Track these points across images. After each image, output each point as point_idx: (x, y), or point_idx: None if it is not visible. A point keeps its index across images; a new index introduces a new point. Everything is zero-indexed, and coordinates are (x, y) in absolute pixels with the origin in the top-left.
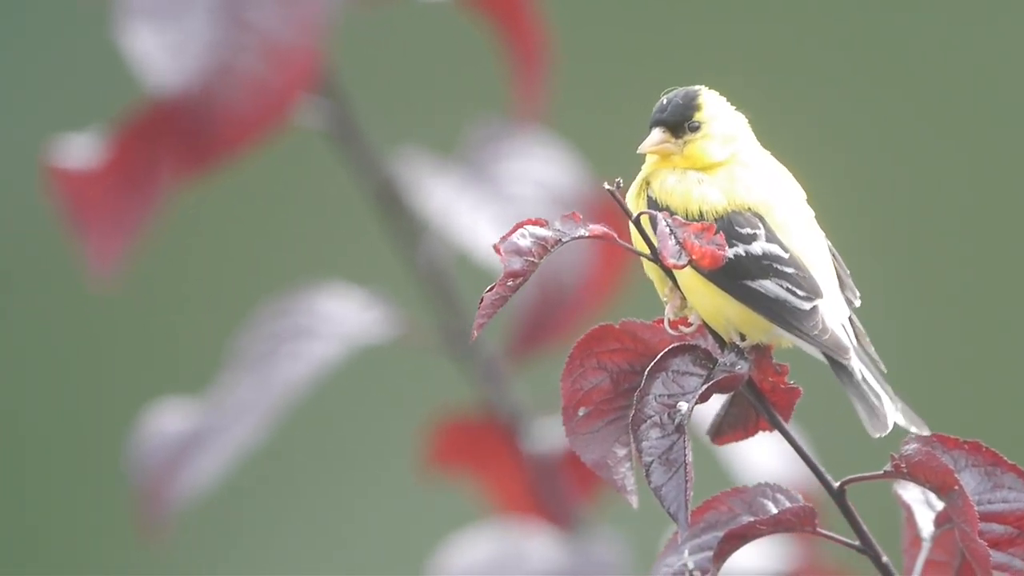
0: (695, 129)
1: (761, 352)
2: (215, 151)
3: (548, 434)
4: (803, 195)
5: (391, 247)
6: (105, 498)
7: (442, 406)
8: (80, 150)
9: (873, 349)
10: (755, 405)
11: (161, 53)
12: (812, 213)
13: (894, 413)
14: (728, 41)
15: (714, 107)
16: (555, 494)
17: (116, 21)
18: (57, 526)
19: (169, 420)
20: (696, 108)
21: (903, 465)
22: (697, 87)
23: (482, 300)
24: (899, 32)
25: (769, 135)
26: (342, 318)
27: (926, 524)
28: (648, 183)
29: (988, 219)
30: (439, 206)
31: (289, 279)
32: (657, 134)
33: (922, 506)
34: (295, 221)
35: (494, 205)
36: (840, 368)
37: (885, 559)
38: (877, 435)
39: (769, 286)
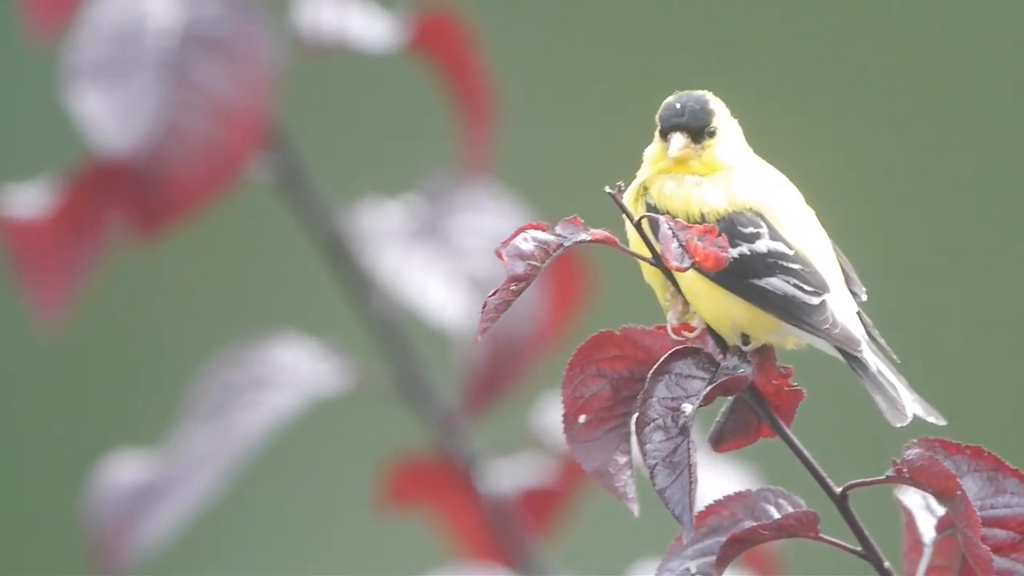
0: (711, 135)
1: (764, 354)
2: (167, 213)
3: (504, 476)
4: (800, 196)
5: (344, 298)
6: (60, 549)
7: (399, 449)
8: (28, 200)
9: (884, 341)
10: (756, 409)
11: (109, 115)
12: (812, 212)
13: (911, 403)
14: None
15: (722, 113)
16: (511, 535)
17: (63, 81)
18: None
19: (125, 471)
20: (711, 113)
21: (905, 470)
22: (703, 92)
23: (485, 305)
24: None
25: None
26: (298, 369)
27: (927, 529)
28: (646, 189)
29: (991, 220)
30: (389, 263)
31: (243, 330)
32: (680, 139)
33: (923, 511)
34: (247, 272)
35: (444, 261)
36: (854, 361)
37: (887, 564)
38: (898, 425)
39: (776, 283)
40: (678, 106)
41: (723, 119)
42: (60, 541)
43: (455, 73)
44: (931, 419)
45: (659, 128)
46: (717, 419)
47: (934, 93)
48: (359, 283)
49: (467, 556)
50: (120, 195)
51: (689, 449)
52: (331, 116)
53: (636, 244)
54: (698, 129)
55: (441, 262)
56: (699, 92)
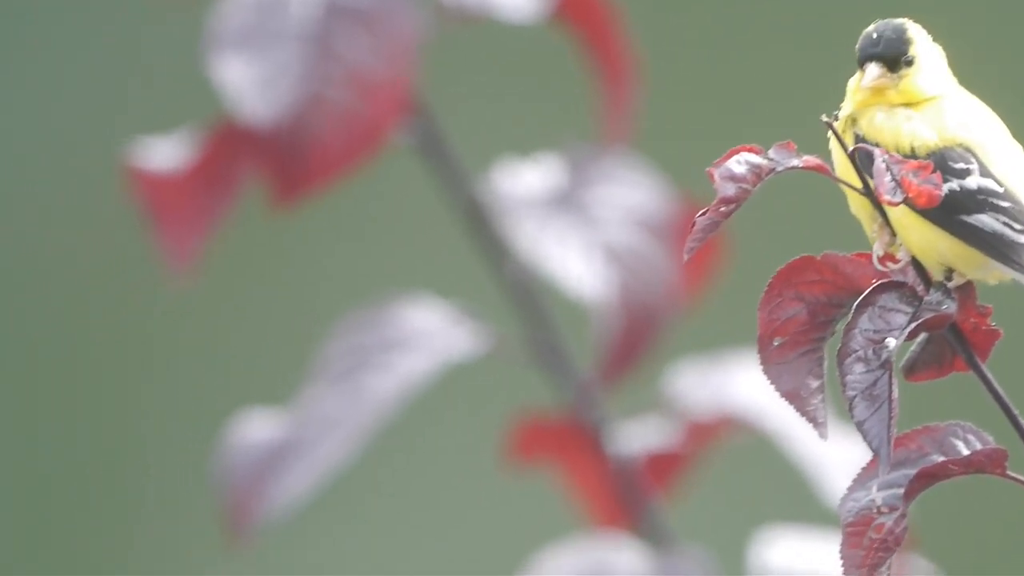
0: (909, 63)
1: (965, 291)
2: (306, 183)
3: (631, 438)
4: (1007, 131)
5: (480, 264)
6: (191, 509)
7: (527, 408)
8: (164, 153)
9: None
10: (953, 344)
11: (252, 85)
12: (1020, 147)
13: None
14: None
15: (922, 41)
16: (635, 497)
17: (206, 49)
18: (140, 533)
19: (257, 431)
20: (908, 42)
21: None
22: (902, 20)
23: (694, 224)
24: None
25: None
26: (431, 332)
27: None
28: (854, 121)
29: None
30: (526, 231)
31: (374, 290)
32: (875, 69)
33: None
34: (380, 233)
35: (581, 231)
36: None
37: None
38: None
39: (986, 220)
40: (874, 36)
41: (923, 47)
42: (190, 502)
43: (596, 43)
44: None
45: (857, 59)
46: (912, 349)
47: None
48: (496, 249)
49: (591, 517)
50: (256, 154)
51: (890, 383)
52: (472, 84)
53: (843, 174)
54: (893, 58)
55: (578, 232)
56: (898, 20)
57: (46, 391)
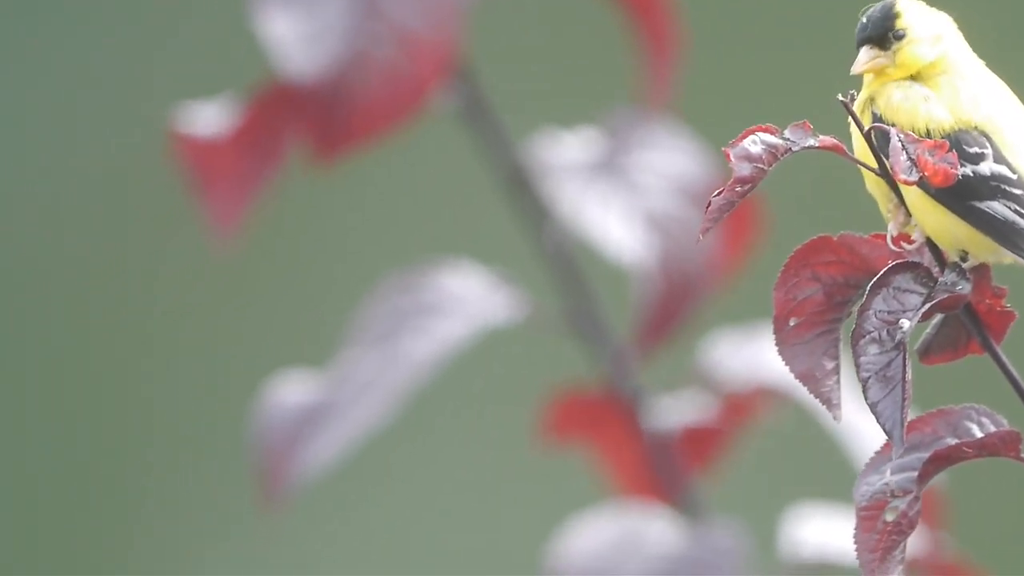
0: (900, 37)
1: (980, 273)
2: (348, 140)
3: (667, 412)
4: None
5: (518, 229)
6: (190, 507)
7: (562, 381)
8: (208, 117)
9: None
10: (968, 326)
11: (297, 42)
12: None
13: None
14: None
15: (913, 12)
16: (671, 472)
17: (252, 5)
18: (140, 533)
19: (292, 393)
20: (895, 16)
21: None
22: None
23: (709, 204)
24: None
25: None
26: (468, 297)
27: None
28: (873, 100)
29: None
30: (567, 197)
31: (412, 255)
32: (864, 52)
33: None
34: (420, 197)
35: (622, 197)
36: None
37: None
38: None
39: (997, 207)
40: (864, 21)
41: (914, 18)
42: (190, 501)
43: (640, 8)
44: None
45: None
46: (927, 331)
47: None
48: (536, 215)
49: (624, 493)
50: (300, 115)
51: (904, 364)
52: (514, 48)
53: (861, 154)
54: (880, 36)
55: (619, 198)
56: (887, 0)
57: (46, 391)
